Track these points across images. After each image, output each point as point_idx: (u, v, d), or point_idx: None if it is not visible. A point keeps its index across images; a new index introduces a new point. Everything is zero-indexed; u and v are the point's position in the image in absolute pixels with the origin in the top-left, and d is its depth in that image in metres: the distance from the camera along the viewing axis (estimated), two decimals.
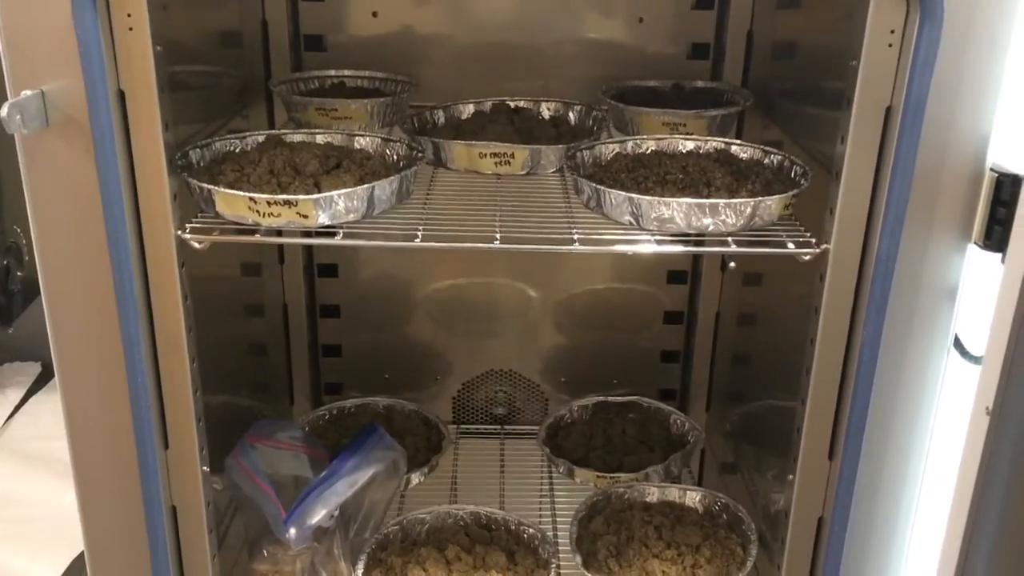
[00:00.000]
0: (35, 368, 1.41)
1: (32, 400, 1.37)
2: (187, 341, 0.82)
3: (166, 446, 0.85)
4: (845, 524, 0.86)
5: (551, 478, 1.27)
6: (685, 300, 1.33)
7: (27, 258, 1.38)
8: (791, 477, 0.88)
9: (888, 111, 0.77)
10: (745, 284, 1.25)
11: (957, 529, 0.78)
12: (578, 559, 1.06)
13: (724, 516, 1.13)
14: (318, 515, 0.94)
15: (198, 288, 0.85)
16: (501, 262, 1.34)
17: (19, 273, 1.43)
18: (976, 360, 0.79)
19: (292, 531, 0.93)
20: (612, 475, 1.19)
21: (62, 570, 1.07)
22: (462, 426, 1.39)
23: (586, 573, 1.04)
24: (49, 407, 0.87)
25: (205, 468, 0.87)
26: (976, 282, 0.82)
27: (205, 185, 0.82)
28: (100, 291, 0.79)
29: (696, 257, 1.30)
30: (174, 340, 0.82)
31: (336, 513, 0.97)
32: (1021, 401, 0.72)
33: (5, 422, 1.33)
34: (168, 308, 0.81)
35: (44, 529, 1.12)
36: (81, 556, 0.93)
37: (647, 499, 1.17)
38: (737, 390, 1.29)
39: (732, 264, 1.25)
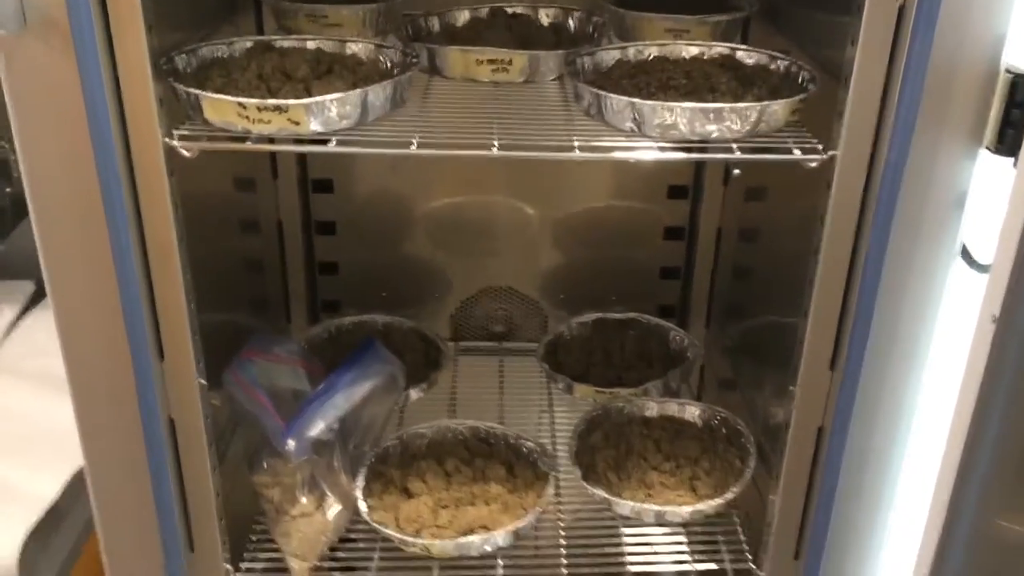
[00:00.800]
0: (28, 286, 1.39)
1: (27, 318, 1.36)
2: (179, 251, 0.80)
3: (161, 357, 0.84)
4: (845, 433, 0.86)
5: (550, 394, 1.27)
6: (686, 216, 1.32)
7: (16, 174, 1.35)
8: (792, 388, 0.88)
9: (901, 10, 0.73)
10: (748, 199, 1.23)
11: (959, 436, 0.78)
12: (577, 472, 1.06)
13: (723, 430, 1.13)
14: (317, 427, 0.94)
15: (190, 202, 0.83)
16: (499, 179, 1.31)
17: (8, 189, 1.40)
18: (983, 269, 0.78)
19: (291, 443, 0.93)
20: (611, 390, 1.19)
21: (63, 483, 1.08)
22: (461, 343, 1.38)
23: (585, 485, 1.04)
24: (44, 324, 0.86)
25: (202, 380, 0.86)
26: (985, 189, 0.80)
27: (192, 90, 0.79)
28: (88, 202, 0.77)
29: (698, 170, 1.27)
30: (166, 250, 0.80)
31: (335, 426, 0.97)
32: None
33: (1, 340, 1.32)
34: (158, 217, 0.79)
35: (44, 444, 1.11)
36: (81, 470, 0.93)
37: (646, 414, 1.17)
38: (738, 306, 1.28)
39: (736, 172, 1.23)
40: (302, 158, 1.25)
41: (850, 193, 0.78)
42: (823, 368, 0.85)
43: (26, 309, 1.39)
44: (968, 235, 0.80)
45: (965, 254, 0.80)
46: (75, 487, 1.10)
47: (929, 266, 0.79)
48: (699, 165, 1.26)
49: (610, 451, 1.10)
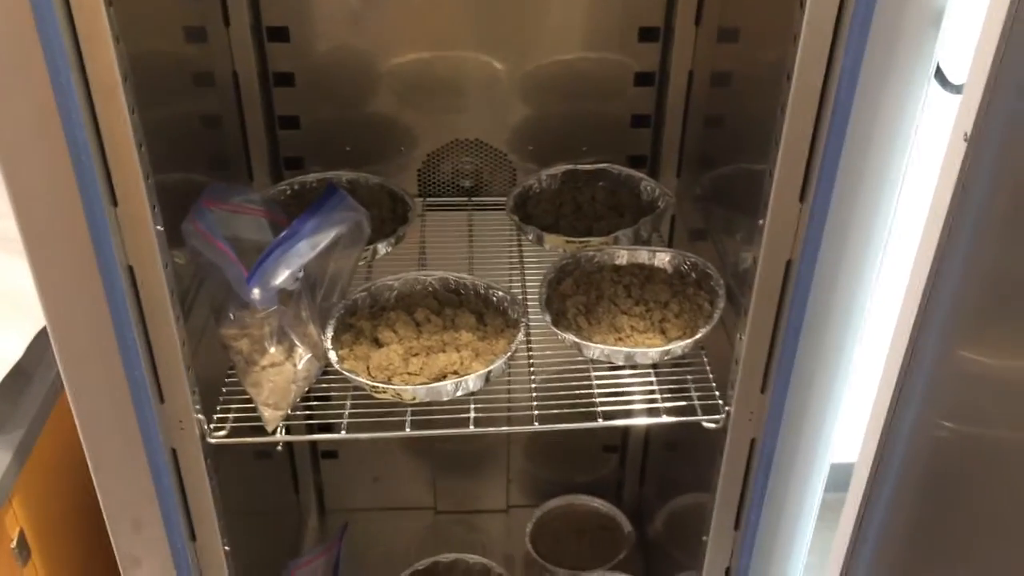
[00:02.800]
0: None
1: None
2: (123, 90, 0.76)
3: (115, 203, 0.81)
4: (813, 265, 0.85)
5: (520, 246, 1.26)
6: (657, 60, 1.28)
7: None
8: (761, 221, 0.87)
9: None
10: (720, 40, 1.19)
11: (925, 263, 0.78)
12: (547, 318, 1.06)
13: (692, 275, 1.13)
14: (281, 275, 0.92)
15: (139, 57, 0.79)
16: (466, 32, 1.26)
17: None
18: (957, 90, 0.76)
19: (256, 291, 0.92)
20: (581, 240, 1.18)
21: (28, 341, 1.06)
22: (428, 199, 1.36)
23: (555, 330, 1.05)
24: None
25: (159, 227, 0.84)
26: (960, 7, 0.77)
27: None
28: (24, 44, 0.73)
29: (669, 9, 1.22)
30: (109, 89, 0.76)
31: (300, 275, 0.96)
32: (999, 126, 0.69)
33: None
34: (100, 54, 0.74)
35: (6, 304, 1.10)
36: (44, 329, 0.91)
37: (616, 261, 1.16)
38: (709, 154, 1.26)
39: None
40: (255, 2, 1.19)
41: (824, 9, 0.75)
42: (793, 200, 0.84)
43: None
44: (943, 55, 0.78)
45: (939, 75, 0.78)
46: (39, 347, 1.09)
47: (903, 87, 0.77)
48: (670, 3, 1.21)
49: (580, 297, 1.09)
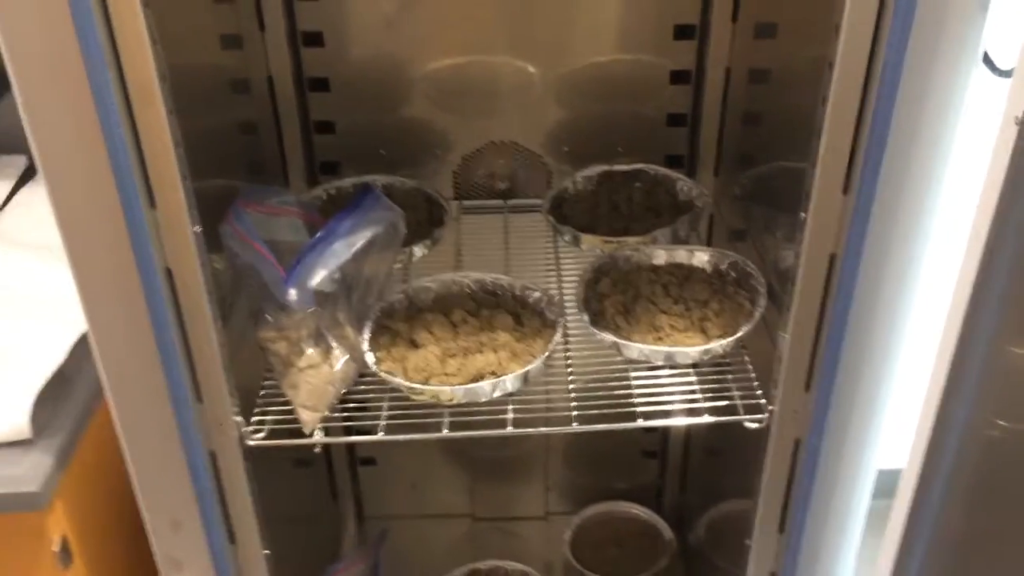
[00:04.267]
0: (21, 161, 1.36)
1: (22, 191, 1.33)
2: (161, 91, 0.76)
3: (153, 205, 0.82)
4: (858, 258, 0.83)
5: (556, 247, 1.25)
6: (693, 58, 1.26)
7: None
8: (803, 215, 0.85)
9: None
10: (757, 36, 1.18)
11: (975, 255, 0.75)
12: (585, 318, 1.05)
13: (732, 273, 1.12)
14: (318, 276, 0.92)
15: (176, 59, 0.79)
16: (499, 37, 1.26)
17: None
18: (1006, 74, 0.74)
19: (293, 292, 0.92)
20: (618, 239, 1.16)
21: (69, 346, 1.07)
22: (464, 202, 1.35)
23: (594, 330, 1.03)
24: (41, 197, 0.83)
25: (197, 228, 0.84)
26: None
27: None
28: (66, 57, 0.73)
29: (705, 7, 1.21)
30: (147, 90, 0.76)
31: (337, 276, 0.95)
32: None
33: None
34: (137, 54, 0.75)
35: (47, 312, 1.11)
36: (86, 334, 0.92)
37: (654, 261, 1.15)
38: (748, 152, 1.24)
39: None
40: (290, 9, 1.19)
41: None
42: (836, 192, 0.82)
43: (20, 183, 1.36)
44: (990, 41, 0.76)
45: (987, 60, 0.76)
46: (81, 352, 1.10)
47: (949, 74, 0.75)
48: (706, 1, 1.20)
49: (618, 297, 1.08)
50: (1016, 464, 0.84)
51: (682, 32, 1.24)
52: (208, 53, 1.08)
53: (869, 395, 0.94)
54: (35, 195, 1.33)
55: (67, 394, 1.09)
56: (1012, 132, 0.68)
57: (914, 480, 0.90)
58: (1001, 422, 0.84)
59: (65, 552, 1.06)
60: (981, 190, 0.72)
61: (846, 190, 0.82)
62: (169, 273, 0.85)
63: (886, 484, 1.00)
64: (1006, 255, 0.75)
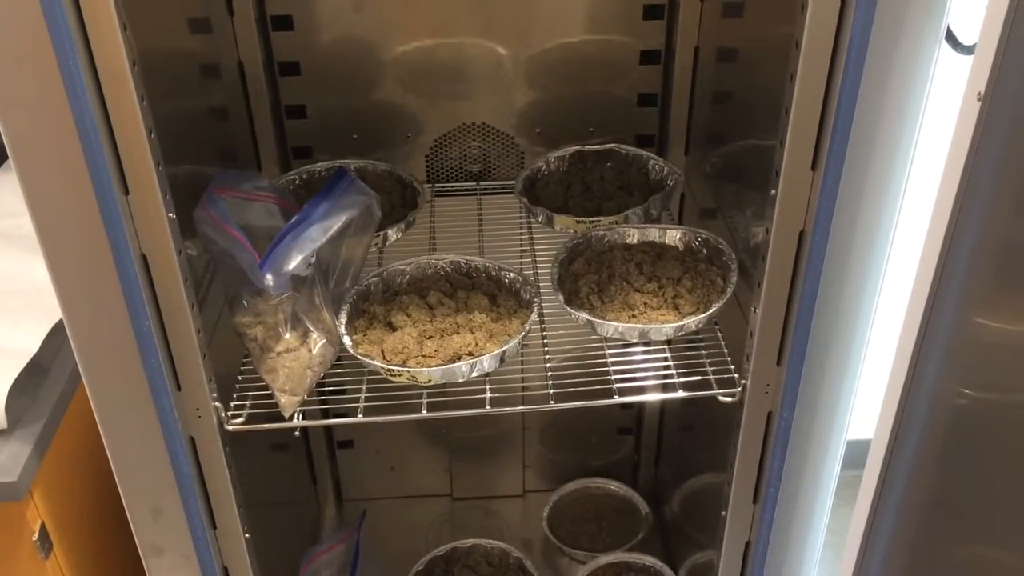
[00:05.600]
0: None
1: None
2: (132, 76, 0.76)
3: (126, 191, 0.81)
4: (827, 233, 0.85)
5: (530, 228, 1.26)
6: (662, 37, 1.27)
7: None
8: (773, 192, 0.86)
9: None
10: (725, 15, 1.19)
11: (940, 226, 0.77)
12: (560, 297, 1.06)
13: (704, 251, 1.13)
14: (294, 260, 0.92)
15: (145, 44, 0.79)
16: (468, 20, 1.26)
17: None
18: (968, 50, 0.76)
19: (269, 277, 0.92)
20: (592, 219, 1.17)
21: (43, 335, 1.07)
22: (437, 185, 1.36)
23: (568, 309, 1.05)
24: (9, 187, 0.82)
25: (171, 215, 0.84)
26: None
27: None
28: (35, 36, 0.73)
29: None
30: (118, 76, 0.76)
31: (313, 260, 0.96)
32: (1013, 84, 0.69)
33: None
34: (108, 41, 0.75)
35: (22, 300, 1.10)
36: (61, 322, 0.91)
37: (627, 240, 1.16)
38: (718, 131, 1.26)
39: None
40: None
41: None
42: (804, 168, 0.84)
43: None
44: (953, 18, 0.77)
45: (950, 37, 0.78)
46: (56, 341, 1.10)
47: (913, 50, 0.77)
48: None
49: (592, 276, 1.09)
50: (982, 431, 0.86)
51: (651, 12, 1.25)
52: (177, 37, 1.07)
53: (839, 368, 0.96)
54: (5, 183, 1.32)
55: (43, 383, 1.09)
56: (975, 107, 0.70)
57: (883, 450, 0.92)
58: (967, 391, 0.86)
59: (44, 541, 1.05)
60: (945, 165, 0.73)
61: (814, 166, 0.84)
62: (144, 260, 0.85)
63: (854, 455, 1.03)
64: (971, 228, 0.77)
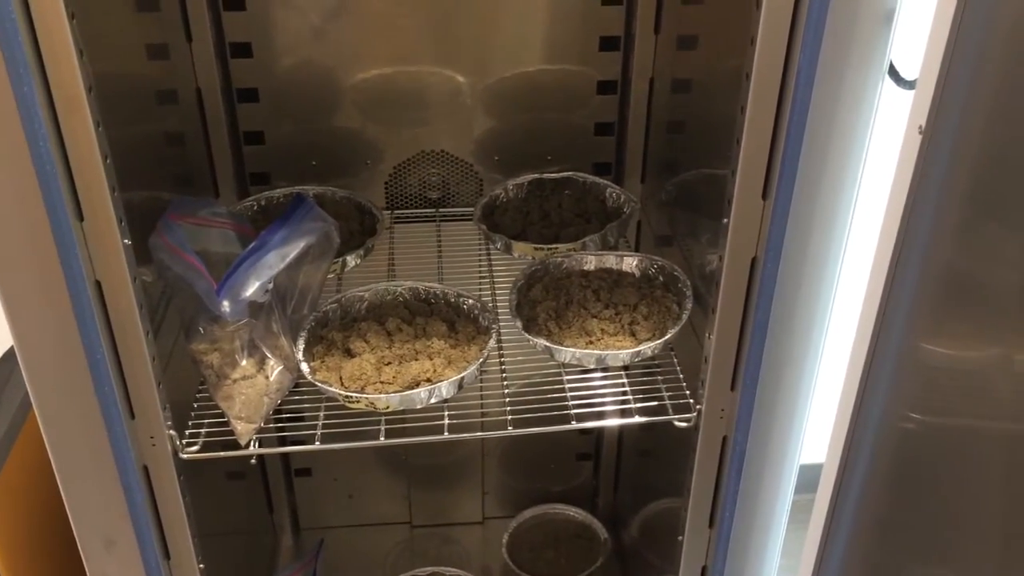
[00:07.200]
0: None
1: None
2: (88, 102, 0.76)
3: (80, 217, 0.81)
4: (778, 260, 0.87)
5: (489, 255, 1.26)
6: (619, 68, 1.29)
7: None
8: (725, 221, 0.88)
9: None
10: (680, 47, 1.22)
11: (885, 255, 0.80)
12: (518, 323, 1.07)
13: (660, 277, 1.15)
14: (251, 287, 0.92)
15: (101, 69, 0.79)
16: (427, 48, 1.27)
17: None
18: (910, 85, 0.78)
19: (226, 304, 0.92)
20: (550, 247, 1.19)
21: None
22: (396, 211, 1.36)
23: (527, 335, 1.05)
24: None
25: (127, 241, 0.83)
26: (911, 6, 0.80)
27: None
28: None
29: (629, 19, 1.24)
30: (73, 101, 0.76)
31: (270, 287, 0.95)
32: (952, 118, 0.71)
33: None
34: (64, 66, 0.74)
35: None
36: (10, 350, 0.90)
37: (585, 267, 1.17)
38: (673, 159, 1.28)
39: None
40: (217, 19, 1.19)
41: (780, 11, 0.77)
42: (755, 197, 0.86)
43: None
44: (895, 53, 0.80)
45: (892, 72, 0.80)
46: (6, 368, 1.08)
47: (859, 85, 0.79)
48: (630, 13, 1.24)
49: (550, 303, 1.10)
50: (930, 455, 0.88)
51: (607, 43, 1.28)
52: (134, 63, 1.07)
53: (792, 392, 0.97)
54: None
55: None
56: (916, 140, 0.72)
57: (834, 474, 0.94)
58: (915, 415, 0.88)
59: None
60: (889, 195, 0.76)
61: (765, 195, 0.86)
62: (99, 286, 0.84)
63: (806, 479, 1.05)
64: (915, 256, 0.79)
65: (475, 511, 1.72)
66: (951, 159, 0.73)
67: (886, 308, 0.83)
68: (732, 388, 0.98)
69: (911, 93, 0.75)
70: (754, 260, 0.89)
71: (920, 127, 0.72)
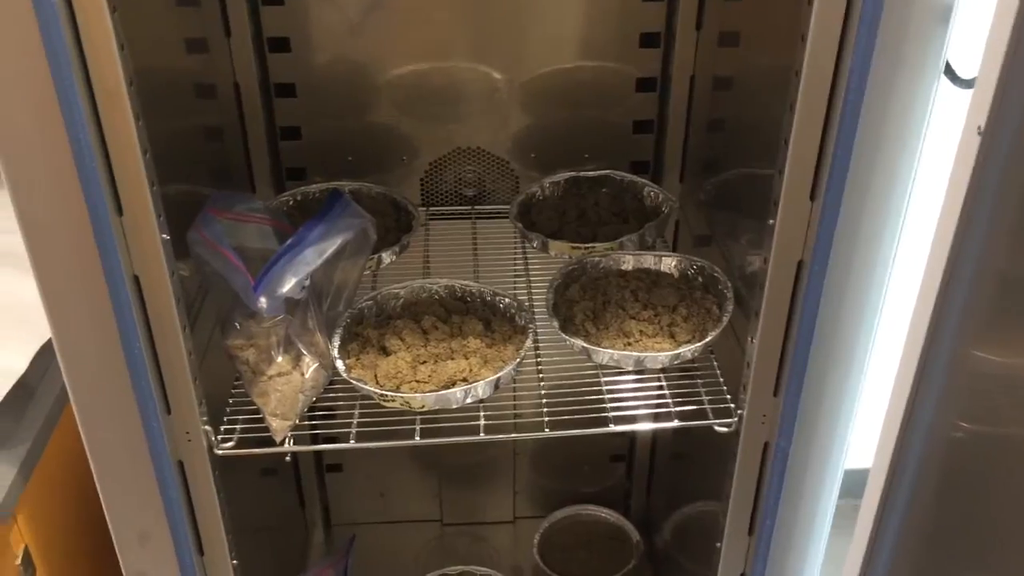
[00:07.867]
0: None
1: None
2: (128, 95, 0.75)
3: (120, 212, 0.80)
4: (825, 264, 0.85)
5: (525, 253, 1.25)
6: (658, 65, 1.27)
7: None
8: (771, 222, 0.86)
9: None
10: (721, 44, 1.19)
11: (939, 260, 0.77)
12: (555, 323, 1.05)
13: (700, 279, 1.13)
14: (288, 283, 0.91)
15: (141, 64, 0.78)
16: (464, 44, 1.26)
17: None
18: (968, 84, 0.76)
19: (263, 300, 0.91)
20: (587, 245, 1.17)
21: (31, 355, 1.05)
22: (431, 208, 1.35)
23: (564, 336, 1.04)
24: (5, 203, 0.81)
25: (165, 236, 0.83)
26: (969, 3, 0.77)
27: None
28: (31, 55, 0.72)
29: (670, 16, 1.22)
30: (114, 96, 0.75)
31: (307, 283, 0.95)
32: (1012, 118, 0.69)
33: None
34: (105, 60, 0.74)
35: (10, 319, 1.09)
36: (49, 342, 0.90)
37: (622, 267, 1.16)
38: (713, 158, 1.26)
39: None
40: (255, 14, 1.18)
41: (833, 9, 0.75)
42: (803, 199, 0.84)
43: None
44: (952, 52, 0.78)
45: (949, 71, 0.78)
46: (44, 361, 1.08)
47: (913, 84, 0.77)
48: (671, 9, 1.22)
49: (588, 303, 1.09)
50: (979, 464, 0.85)
51: (647, 40, 1.25)
52: (173, 57, 1.07)
53: (836, 399, 0.95)
54: None
55: (30, 404, 1.07)
56: (975, 141, 0.70)
57: (882, 481, 0.91)
58: (964, 424, 0.86)
59: (28, 565, 1.04)
60: (945, 197, 0.73)
61: (813, 197, 0.84)
62: (137, 281, 0.84)
63: (853, 484, 1.02)
64: (969, 261, 0.76)
65: (506, 510, 1.71)
66: (1010, 161, 0.70)
67: (938, 314, 0.81)
68: (775, 394, 0.95)
69: (967, 92, 0.72)
70: (800, 263, 0.87)
71: (979, 127, 0.69)
